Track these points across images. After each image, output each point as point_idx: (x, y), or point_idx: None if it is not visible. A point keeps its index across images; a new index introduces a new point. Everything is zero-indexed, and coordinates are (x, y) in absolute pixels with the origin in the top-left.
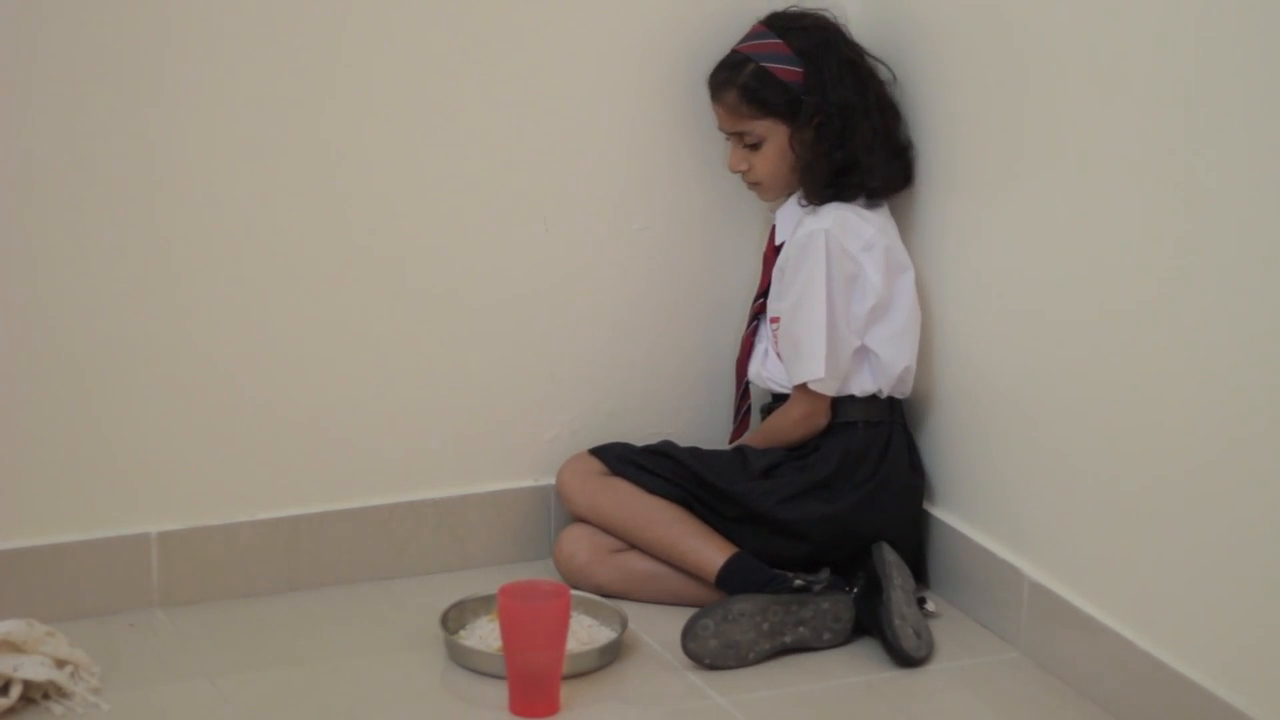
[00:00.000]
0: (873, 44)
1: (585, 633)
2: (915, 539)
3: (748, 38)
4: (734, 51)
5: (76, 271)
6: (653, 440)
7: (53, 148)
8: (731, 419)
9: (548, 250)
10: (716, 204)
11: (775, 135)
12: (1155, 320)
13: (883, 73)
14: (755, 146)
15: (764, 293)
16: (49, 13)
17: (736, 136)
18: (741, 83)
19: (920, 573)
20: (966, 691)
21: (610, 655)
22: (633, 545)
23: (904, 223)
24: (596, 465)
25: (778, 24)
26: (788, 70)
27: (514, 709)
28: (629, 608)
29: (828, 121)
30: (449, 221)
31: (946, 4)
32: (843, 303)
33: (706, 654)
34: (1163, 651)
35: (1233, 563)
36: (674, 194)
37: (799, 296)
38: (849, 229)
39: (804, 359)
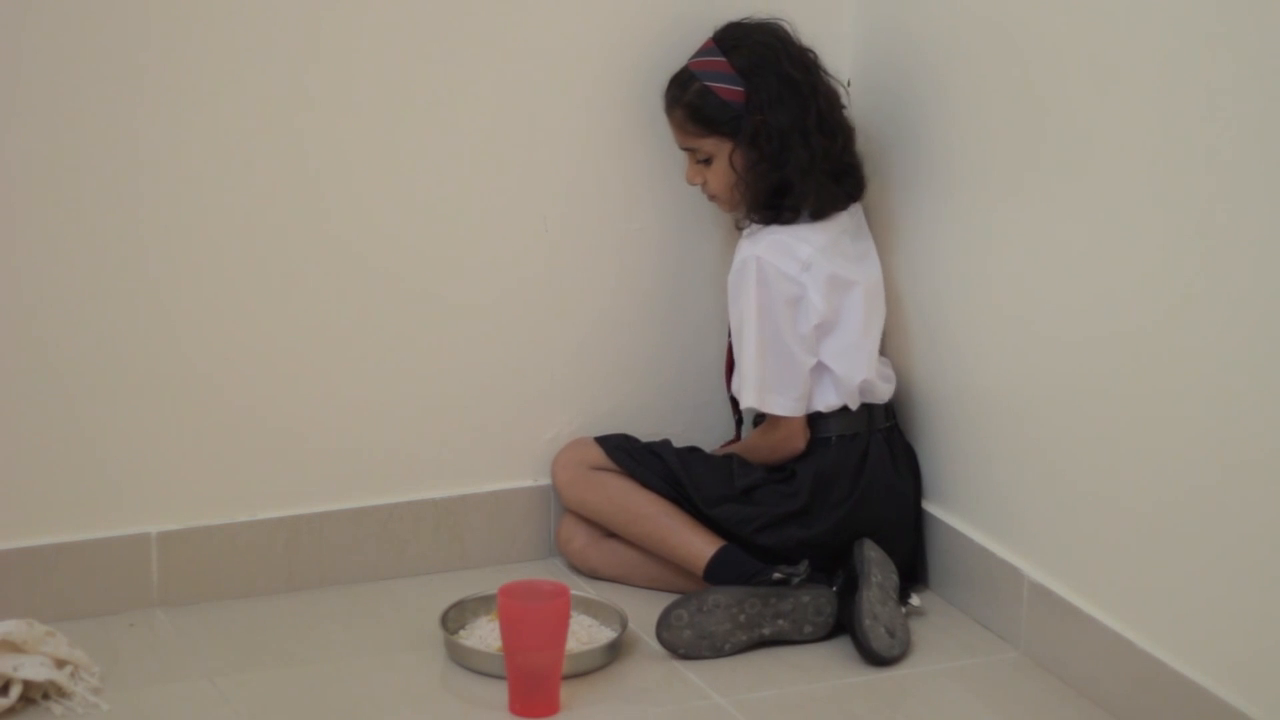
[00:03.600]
0: (870, 54)
1: (585, 633)
2: (908, 541)
3: (698, 53)
4: (684, 68)
5: (75, 271)
6: (654, 439)
7: (45, 151)
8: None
9: (546, 249)
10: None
11: (722, 152)
12: (1153, 322)
13: (835, 85)
14: (707, 162)
15: None
16: (27, 17)
17: (689, 152)
18: (686, 101)
19: (919, 572)
20: (966, 691)
21: (610, 655)
22: (623, 539)
23: (904, 227)
24: (588, 455)
25: (726, 40)
26: (729, 90)
27: (514, 709)
28: (628, 606)
29: (767, 142)
30: (447, 221)
31: (947, 15)
32: (788, 324)
33: (681, 644)
34: (1163, 651)
35: (1232, 562)
36: (673, 193)
37: (738, 324)
38: (783, 252)
39: (745, 385)
